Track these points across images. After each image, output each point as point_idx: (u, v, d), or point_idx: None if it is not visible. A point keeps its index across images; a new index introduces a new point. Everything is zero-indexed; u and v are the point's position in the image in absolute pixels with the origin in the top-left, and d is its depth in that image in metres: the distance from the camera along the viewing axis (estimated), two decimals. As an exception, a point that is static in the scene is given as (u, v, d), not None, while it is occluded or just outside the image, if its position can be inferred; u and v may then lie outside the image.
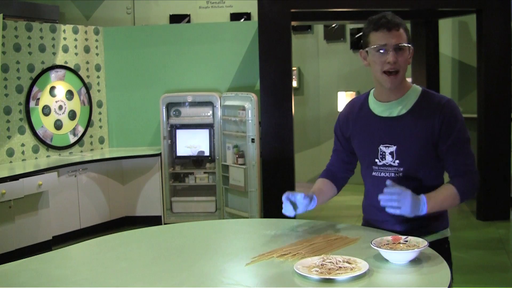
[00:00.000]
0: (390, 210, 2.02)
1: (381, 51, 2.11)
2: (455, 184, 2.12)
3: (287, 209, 2.19)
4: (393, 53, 2.09)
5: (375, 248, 1.90)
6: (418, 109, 2.16)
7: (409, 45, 2.13)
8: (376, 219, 2.28)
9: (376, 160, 2.20)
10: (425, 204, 2.03)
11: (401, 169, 2.16)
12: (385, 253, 1.88)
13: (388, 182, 2.02)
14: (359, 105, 2.31)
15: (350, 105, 2.37)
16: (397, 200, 1.99)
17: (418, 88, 2.22)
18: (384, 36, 2.10)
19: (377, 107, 2.23)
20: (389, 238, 1.99)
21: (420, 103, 2.17)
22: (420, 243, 1.92)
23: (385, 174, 2.19)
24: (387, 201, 2.01)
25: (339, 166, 2.43)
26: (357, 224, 2.48)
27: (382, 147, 2.19)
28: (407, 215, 2.02)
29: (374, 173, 2.22)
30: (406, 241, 1.95)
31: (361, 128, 2.26)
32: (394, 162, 2.17)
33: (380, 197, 2.03)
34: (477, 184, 2.16)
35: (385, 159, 2.19)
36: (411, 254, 1.86)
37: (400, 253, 1.86)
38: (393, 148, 2.17)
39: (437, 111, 2.13)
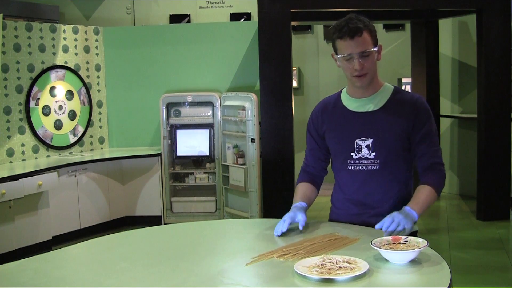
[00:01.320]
0: (397, 228, 2.09)
1: (348, 59, 2.20)
2: (430, 182, 2.25)
3: (278, 228, 2.23)
4: (359, 61, 2.19)
5: (375, 248, 1.90)
6: (392, 104, 2.28)
7: (374, 49, 2.21)
8: (350, 213, 2.36)
9: (352, 153, 2.29)
10: (412, 211, 2.13)
11: (377, 161, 2.26)
12: (385, 253, 1.88)
13: (377, 226, 2.11)
14: (332, 103, 2.40)
15: (323, 103, 2.45)
16: (396, 223, 2.08)
17: (390, 87, 2.34)
18: (348, 45, 2.18)
19: (351, 103, 2.33)
20: (389, 238, 1.99)
21: (394, 99, 2.29)
22: (420, 243, 1.92)
23: (361, 167, 2.28)
24: (391, 227, 2.08)
25: (316, 165, 2.48)
26: (358, 225, 2.47)
27: (358, 141, 2.28)
28: (409, 227, 2.10)
29: (349, 167, 2.31)
30: (406, 241, 1.95)
31: (337, 123, 2.34)
32: (370, 155, 2.27)
33: (381, 227, 2.10)
34: (445, 174, 2.30)
35: (361, 152, 2.28)
36: (411, 254, 1.86)
37: (400, 253, 1.86)
38: (369, 141, 2.27)
39: (411, 106, 2.26)
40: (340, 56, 2.22)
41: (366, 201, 2.31)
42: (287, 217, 2.26)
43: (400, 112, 2.26)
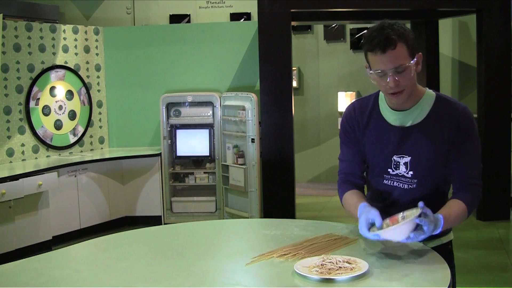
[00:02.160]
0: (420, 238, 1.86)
1: (381, 75, 1.98)
2: (464, 199, 2.03)
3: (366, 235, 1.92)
4: (393, 78, 1.95)
5: (371, 234, 1.86)
6: (433, 117, 2.06)
7: (411, 62, 1.98)
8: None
9: (389, 169, 2.13)
10: (441, 227, 1.90)
11: (415, 180, 2.09)
12: (384, 232, 1.83)
13: (421, 205, 1.84)
14: (369, 110, 2.18)
15: (359, 106, 2.21)
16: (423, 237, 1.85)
17: (432, 94, 2.12)
18: (379, 60, 1.94)
19: (390, 115, 2.12)
20: (387, 221, 1.94)
21: (435, 110, 2.07)
22: (414, 212, 1.86)
23: (398, 184, 2.12)
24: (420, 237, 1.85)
25: (359, 171, 2.23)
26: (357, 224, 2.47)
27: (396, 157, 2.11)
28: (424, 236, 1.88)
29: (385, 181, 2.15)
30: (404, 217, 1.91)
31: (373, 135, 2.15)
32: (407, 173, 2.10)
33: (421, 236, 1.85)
34: (480, 197, 2.09)
35: (398, 169, 2.11)
36: (408, 225, 1.80)
37: (397, 227, 1.81)
38: (407, 159, 2.09)
39: (453, 120, 2.04)
40: (373, 71, 1.99)
41: (396, 212, 2.10)
42: (362, 222, 1.94)
43: (440, 127, 2.04)
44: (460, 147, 2.04)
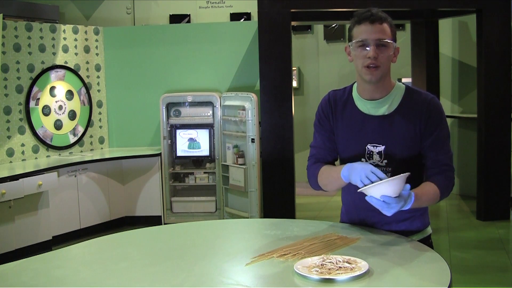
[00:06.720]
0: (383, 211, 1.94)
1: (363, 46, 2.07)
2: (437, 183, 2.11)
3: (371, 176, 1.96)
4: (374, 48, 2.05)
5: (364, 189, 1.91)
6: (405, 107, 2.15)
7: (392, 42, 2.09)
8: (360, 217, 2.28)
9: (362, 159, 2.16)
10: (411, 203, 1.95)
11: (389, 169, 2.14)
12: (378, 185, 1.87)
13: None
14: (343, 101, 2.24)
15: (332, 97, 2.28)
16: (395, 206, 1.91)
17: (402, 86, 2.20)
18: (366, 29, 2.06)
19: (362, 105, 2.19)
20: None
21: (406, 101, 2.16)
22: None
23: None
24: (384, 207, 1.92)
25: (331, 158, 2.28)
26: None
27: (369, 146, 2.16)
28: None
29: None
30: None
31: (347, 125, 2.21)
32: (381, 162, 2.15)
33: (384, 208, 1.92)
34: (453, 181, 2.17)
35: (372, 159, 2.16)
36: (397, 181, 1.86)
37: (387, 181, 1.86)
38: (381, 148, 2.14)
39: (423, 109, 2.13)
40: (354, 41, 2.08)
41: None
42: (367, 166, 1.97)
43: (412, 116, 2.13)
44: (431, 135, 2.13)
